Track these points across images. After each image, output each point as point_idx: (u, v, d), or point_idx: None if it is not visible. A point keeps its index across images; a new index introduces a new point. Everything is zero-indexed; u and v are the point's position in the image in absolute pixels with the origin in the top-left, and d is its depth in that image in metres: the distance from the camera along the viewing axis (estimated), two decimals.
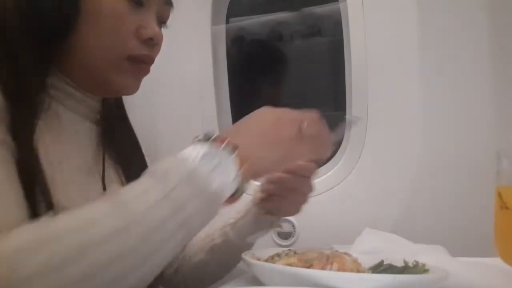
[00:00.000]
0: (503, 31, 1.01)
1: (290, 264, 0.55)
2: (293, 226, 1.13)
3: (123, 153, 0.75)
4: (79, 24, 0.60)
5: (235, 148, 0.52)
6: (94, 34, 0.60)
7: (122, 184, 0.72)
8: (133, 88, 0.67)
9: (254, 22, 1.50)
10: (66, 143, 0.63)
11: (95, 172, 0.67)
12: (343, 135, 0.81)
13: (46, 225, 0.44)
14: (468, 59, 1.03)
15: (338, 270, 0.53)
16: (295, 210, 0.78)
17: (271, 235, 1.14)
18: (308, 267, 0.53)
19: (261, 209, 0.79)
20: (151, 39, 0.64)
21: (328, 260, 0.55)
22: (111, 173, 0.71)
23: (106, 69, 0.63)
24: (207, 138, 0.53)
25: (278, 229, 0.87)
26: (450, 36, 1.03)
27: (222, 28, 1.30)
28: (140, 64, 0.65)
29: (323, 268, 0.53)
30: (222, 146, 0.52)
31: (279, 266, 0.55)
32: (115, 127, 0.74)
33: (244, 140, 0.54)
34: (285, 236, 1.14)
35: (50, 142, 0.59)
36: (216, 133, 0.54)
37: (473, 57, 1.02)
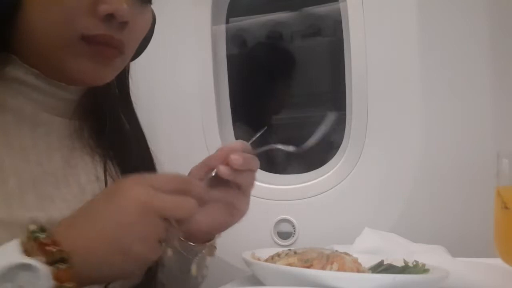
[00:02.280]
0: (504, 31, 1.01)
1: (290, 264, 0.55)
2: (293, 226, 1.13)
3: (121, 150, 0.65)
4: (25, 1, 0.51)
5: (63, 259, 0.40)
6: (41, 12, 0.51)
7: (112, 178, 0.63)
8: (96, 75, 0.56)
9: (254, 22, 1.50)
10: (17, 148, 0.54)
11: (68, 178, 0.58)
12: None
13: None
14: (468, 59, 1.03)
15: (338, 270, 0.53)
16: (240, 214, 0.64)
17: (271, 235, 1.14)
18: (308, 267, 0.53)
19: (189, 233, 0.64)
20: (112, 15, 0.52)
21: (328, 260, 0.54)
22: (90, 168, 0.62)
23: (59, 52, 0.53)
24: (34, 236, 0.40)
25: (214, 254, 0.69)
26: (451, 36, 1.03)
27: (222, 28, 1.30)
28: (99, 46, 0.53)
29: (323, 268, 0.53)
30: (41, 256, 0.38)
31: (279, 266, 0.55)
32: (111, 121, 0.65)
33: (85, 243, 0.42)
34: (285, 236, 1.14)
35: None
36: (53, 228, 0.43)
37: (473, 57, 1.02)
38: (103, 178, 0.62)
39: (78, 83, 0.58)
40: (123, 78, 0.68)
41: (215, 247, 0.68)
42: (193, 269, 0.66)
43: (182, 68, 1.25)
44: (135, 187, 0.45)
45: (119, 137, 0.66)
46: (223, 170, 0.60)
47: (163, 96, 1.24)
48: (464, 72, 1.03)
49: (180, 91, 1.25)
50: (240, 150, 0.61)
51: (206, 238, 0.67)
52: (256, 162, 0.62)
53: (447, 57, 1.03)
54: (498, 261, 0.62)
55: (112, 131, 0.65)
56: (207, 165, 0.63)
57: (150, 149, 0.71)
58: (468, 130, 1.02)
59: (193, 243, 0.65)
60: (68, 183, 0.58)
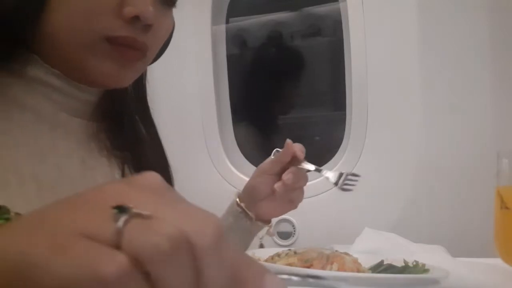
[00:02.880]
0: (504, 31, 1.01)
1: (290, 264, 0.55)
2: (293, 226, 1.13)
3: (137, 153, 0.64)
4: (50, 1, 0.50)
5: None
6: (66, 12, 0.51)
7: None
8: (118, 77, 0.55)
9: (254, 22, 1.50)
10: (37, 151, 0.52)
11: (86, 181, 0.56)
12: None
13: None
14: (468, 59, 1.03)
15: (338, 270, 0.53)
16: (298, 203, 0.78)
17: None
18: (308, 267, 0.53)
19: (250, 217, 0.77)
20: (137, 18, 0.51)
21: (328, 260, 0.54)
22: (107, 172, 0.60)
23: (81, 52, 0.52)
24: None
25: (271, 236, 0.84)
26: (450, 36, 1.03)
27: (222, 28, 1.30)
28: (122, 47, 0.53)
29: (323, 268, 0.53)
30: None
31: (279, 266, 0.54)
32: (128, 123, 0.64)
33: None
34: (285, 236, 1.14)
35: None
36: None
37: (473, 57, 1.02)
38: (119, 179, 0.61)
39: (99, 84, 0.57)
40: (140, 81, 0.67)
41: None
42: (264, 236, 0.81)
43: (182, 68, 1.25)
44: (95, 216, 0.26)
45: (134, 141, 0.66)
46: (279, 187, 0.75)
47: (163, 96, 1.24)
48: (464, 72, 1.03)
49: (180, 91, 1.25)
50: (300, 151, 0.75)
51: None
52: (304, 172, 0.76)
53: (447, 57, 1.03)
54: (498, 261, 0.62)
55: (128, 134, 0.65)
56: (279, 161, 0.76)
57: (166, 155, 0.71)
58: (468, 130, 1.02)
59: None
60: (86, 186, 0.56)
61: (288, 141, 0.76)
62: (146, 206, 0.23)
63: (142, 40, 0.54)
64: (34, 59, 0.54)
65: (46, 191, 0.51)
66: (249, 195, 0.79)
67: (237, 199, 0.79)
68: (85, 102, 0.58)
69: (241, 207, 0.78)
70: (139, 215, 0.23)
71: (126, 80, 0.57)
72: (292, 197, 0.77)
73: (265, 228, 0.80)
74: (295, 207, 0.79)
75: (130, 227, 0.22)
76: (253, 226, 0.79)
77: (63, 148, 0.56)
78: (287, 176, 0.74)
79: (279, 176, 0.76)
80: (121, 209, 0.23)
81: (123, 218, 0.22)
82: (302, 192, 0.78)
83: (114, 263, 0.22)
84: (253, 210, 0.78)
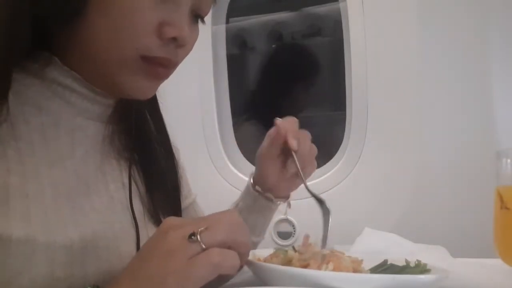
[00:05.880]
0: (504, 31, 1.01)
1: (289, 260, 0.55)
2: (293, 226, 1.13)
3: (146, 151, 0.65)
4: (88, 10, 0.50)
5: None
6: (104, 25, 0.51)
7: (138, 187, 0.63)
8: (145, 93, 0.57)
9: (254, 22, 1.50)
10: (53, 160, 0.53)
11: (99, 185, 0.57)
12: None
13: None
14: (468, 59, 1.03)
15: (334, 269, 0.53)
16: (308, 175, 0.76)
17: (271, 235, 1.14)
18: (305, 266, 0.53)
19: (268, 197, 0.77)
20: (174, 39, 0.53)
21: (324, 259, 0.54)
22: (117, 175, 0.61)
23: (115, 67, 0.53)
24: None
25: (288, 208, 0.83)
26: (450, 36, 1.03)
27: (222, 28, 1.30)
28: (156, 66, 0.55)
29: (319, 268, 0.53)
30: None
31: (279, 266, 0.54)
32: (137, 120, 0.65)
33: None
34: (285, 236, 1.14)
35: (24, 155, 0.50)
36: None
37: (473, 56, 1.02)
38: (127, 184, 0.61)
39: (125, 96, 0.58)
40: None
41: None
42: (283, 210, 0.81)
43: (182, 68, 1.25)
44: (180, 244, 0.43)
45: (144, 138, 0.67)
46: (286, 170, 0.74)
47: (162, 96, 1.24)
48: (464, 72, 1.03)
49: (180, 91, 1.25)
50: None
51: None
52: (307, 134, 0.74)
53: (447, 56, 1.03)
54: (498, 261, 0.62)
55: (138, 131, 0.65)
56: (274, 144, 0.74)
57: (173, 151, 0.71)
58: (468, 130, 1.02)
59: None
60: (99, 191, 0.57)
61: (277, 121, 0.73)
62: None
63: (175, 60, 0.56)
64: (54, 60, 0.53)
65: (61, 198, 0.52)
66: (261, 182, 0.78)
67: (252, 182, 0.78)
68: (104, 105, 0.58)
69: (257, 191, 0.77)
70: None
71: (152, 93, 0.59)
72: (305, 168, 0.74)
73: (285, 204, 0.80)
74: (310, 174, 0.77)
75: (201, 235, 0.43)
76: (272, 204, 0.79)
77: (80, 152, 0.56)
78: (291, 141, 0.71)
79: (283, 156, 0.74)
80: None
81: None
82: (313, 161, 0.76)
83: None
84: (269, 191, 0.78)
